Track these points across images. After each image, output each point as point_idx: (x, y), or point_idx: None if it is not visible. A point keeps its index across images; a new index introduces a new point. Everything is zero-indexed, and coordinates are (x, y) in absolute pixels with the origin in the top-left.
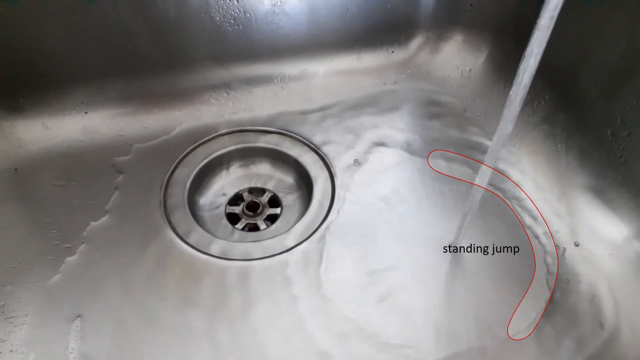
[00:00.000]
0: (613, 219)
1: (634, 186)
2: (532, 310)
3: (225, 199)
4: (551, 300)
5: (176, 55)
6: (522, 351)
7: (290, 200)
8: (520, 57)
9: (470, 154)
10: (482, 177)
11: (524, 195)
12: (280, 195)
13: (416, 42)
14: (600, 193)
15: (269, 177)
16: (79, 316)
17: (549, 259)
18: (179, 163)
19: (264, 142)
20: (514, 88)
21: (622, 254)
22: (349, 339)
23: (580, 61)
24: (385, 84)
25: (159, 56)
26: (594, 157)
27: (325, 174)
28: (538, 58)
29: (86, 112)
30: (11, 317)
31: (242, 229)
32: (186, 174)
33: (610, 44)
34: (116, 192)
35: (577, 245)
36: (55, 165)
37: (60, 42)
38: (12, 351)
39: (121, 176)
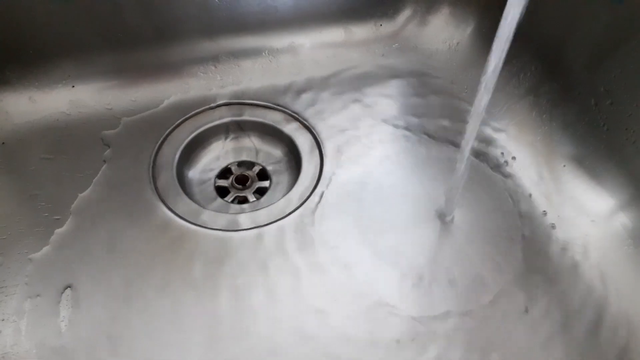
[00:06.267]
0: (595, 187)
1: (616, 154)
2: (516, 277)
3: (214, 172)
4: (535, 267)
5: (164, 28)
6: (507, 316)
7: (279, 172)
8: None
9: (458, 125)
10: (467, 146)
11: (509, 165)
12: (269, 168)
13: (404, 15)
14: (584, 162)
15: (257, 150)
16: (69, 286)
17: (533, 227)
18: (167, 136)
19: (253, 115)
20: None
21: (604, 221)
22: (341, 301)
23: (566, 32)
24: (373, 56)
25: (147, 29)
26: (578, 126)
27: (313, 146)
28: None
29: (73, 86)
30: (2, 288)
31: (232, 202)
32: (174, 147)
33: (594, 15)
34: (105, 165)
35: (548, 212)
36: (43, 139)
37: (47, 14)
38: (3, 320)
39: (109, 149)
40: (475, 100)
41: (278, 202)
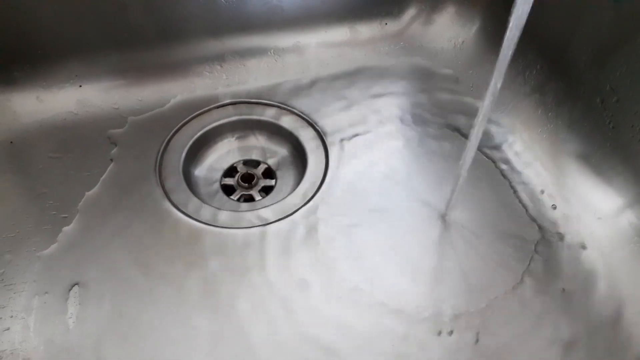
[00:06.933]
0: (602, 185)
1: (622, 152)
2: (521, 274)
3: (220, 171)
4: (540, 265)
5: (170, 28)
6: (512, 312)
7: (285, 171)
8: None
9: (463, 123)
10: (473, 145)
11: (515, 163)
12: (274, 167)
13: (409, 13)
14: (590, 159)
15: (263, 149)
16: (77, 283)
17: (539, 225)
18: (173, 135)
19: (258, 114)
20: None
21: (610, 219)
22: (346, 298)
23: (571, 30)
24: (378, 55)
25: (153, 29)
26: (584, 124)
27: (319, 144)
28: None
29: (80, 86)
30: (10, 285)
31: (237, 200)
32: (181, 146)
33: (599, 12)
34: (112, 164)
35: (554, 209)
36: (51, 138)
37: (54, 14)
38: (12, 317)
39: (116, 148)
40: (485, 98)
41: (283, 200)
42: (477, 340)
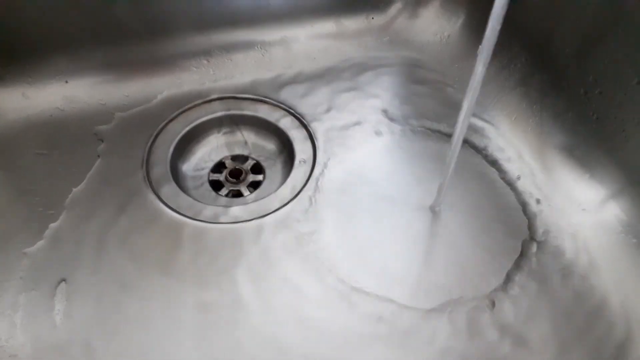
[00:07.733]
0: (586, 177)
1: (606, 143)
2: (508, 265)
3: (208, 166)
4: (527, 256)
5: (156, 23)
6: (499, 304)
7: (273, 166)
8: None
9: (449, 117)
10: (459, 138)
11: (501, 156)
12: (262, 161)
13: (395, 7)
14: (574, 151)
15: (251, 144)
16: (64, 280)
17: (525, 217)
18: (160, 131)
19: (246, 109)
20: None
21: (595, 210)
22: (335, 292)
23: (554, 23)
24: (364, 49)
25: (139, 24)
26: (568, 116)
27: (306, 139)
28: None
29: (67, 81)
30: None
31: (226, 196)
32: (168, 142)
33: (582, 4)
34: (98, 160)
35: (540, 201)
36: (37, 135)
37: (39, 9)
38: None
39: (103, 144)
40: (469, 91)
41: (271, 195)
42: (467, 329)
